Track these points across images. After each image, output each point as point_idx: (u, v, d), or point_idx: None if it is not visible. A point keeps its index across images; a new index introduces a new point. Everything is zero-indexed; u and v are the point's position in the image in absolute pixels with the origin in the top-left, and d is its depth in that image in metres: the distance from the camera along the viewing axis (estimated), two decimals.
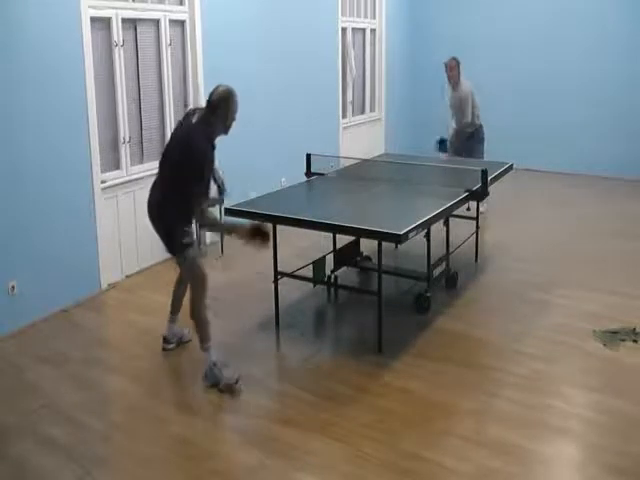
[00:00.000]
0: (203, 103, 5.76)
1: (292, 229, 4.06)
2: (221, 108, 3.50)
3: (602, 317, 4.32)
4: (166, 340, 4.04)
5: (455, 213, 4.69)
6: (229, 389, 3.51)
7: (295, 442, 3.08)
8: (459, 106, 6.70)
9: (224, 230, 4.05)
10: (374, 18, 8.85)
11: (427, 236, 4.36)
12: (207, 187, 3.50)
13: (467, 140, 6.73)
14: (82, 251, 4.74)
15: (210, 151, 3.47)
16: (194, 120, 3.55)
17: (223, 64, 5.95)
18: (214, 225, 3.96)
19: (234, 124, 3.60)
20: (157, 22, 5.38)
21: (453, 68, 6.72)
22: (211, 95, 3.54)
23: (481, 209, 6.04)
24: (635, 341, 4.00)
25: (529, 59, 8.87)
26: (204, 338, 3.61)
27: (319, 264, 4.45)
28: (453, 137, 6.80)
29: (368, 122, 8.90)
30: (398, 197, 4.72)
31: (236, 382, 3.54)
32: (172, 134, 3.82)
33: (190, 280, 3.72)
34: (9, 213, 4.18)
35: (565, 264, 5.40)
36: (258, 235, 3.53)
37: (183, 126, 3.65)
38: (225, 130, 3.58)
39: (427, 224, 3.98)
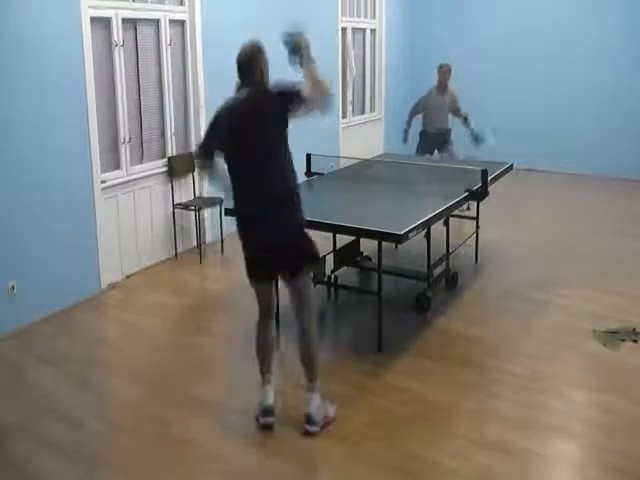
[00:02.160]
0: (203, 103, 5.84)
1: None
2: (257, 67, 3.13)
3: (602, 317, 4.32)
4: (268, 412, 3.18)
5: (455, 213, 4.69)
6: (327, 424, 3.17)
7: (295, 442, 3.07)
8: (449, 108, 6.92)
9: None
10: (374, 18, 8.85)
11: (427, 236, 4.36)
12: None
13: (447, 142, 7.01)
14: (82, 251, 4.74)
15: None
16: (245, 93, 3.10)
17: (223, 64, 5.93)
18: (323, 85, 3.10)
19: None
20: (157, 22, 5.38)
21: (447, 73, 6.89)
22: (241, 57, 3.20)
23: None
24: (635, 341, 4.00)
25: (530, 59, 8.87)
26: (317, 376, 3.13)
27: (319, 264, 4.45)
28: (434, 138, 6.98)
29: (368, 122, 8.90)
30: (398, 197, 4.71)
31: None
32: (229, 123, 3.10)
33: (306, 303, 3.08)
34: (9, 213, 4.18)
35: (565, 264, 5.40)
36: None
37: (242, 102, 3.10)
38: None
39: (427, 224, 3.99)
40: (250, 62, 3.15)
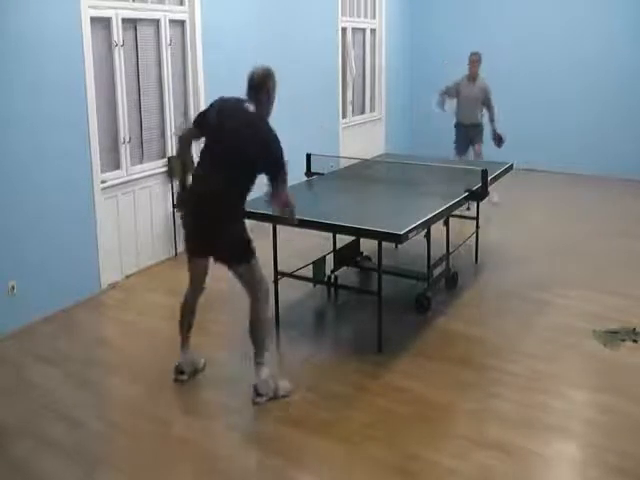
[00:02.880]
0: (203, 103, 5.83)
1: (292, 229, 4.06)
2: (265, 90, 3.35)
3: (602, 317, 4.32)
4: (180, 370, 3.63)
5: (455, 213, 4.69)
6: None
7: (295, 442, 3.08)
8: (482, 98, 6.96)
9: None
10: (374, 18, 8.85)
11: (427, 236, 4.36)
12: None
13: (477, 137, 7.04)
14: (82, 251, 4.74)
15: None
16: (250, 109, 3.32)
17: (223, 64, 5.95)
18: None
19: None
20: (157, 22, 5.38)
21: (477, 62, 6.99)
22: (253, 79, 3.37)
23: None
24: (635, 341, 4.00)
25: (530, 59, 8.87)
26: (263, 352, 3.45)
27: (319, 264, 4.45)
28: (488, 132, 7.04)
29: (368, 122, 8.90)
30: (398, 197, 4.72)
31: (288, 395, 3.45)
32: (218, 123, 3.36)
33: (254, 289, 3.42)
34: (9, 213, 4.18)
35: (565, 264, 5.40)
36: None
37: (240, 117, 3.33)
38: (267, 113, 3.41)
39: (427, 224, 3.99)
40: (260, 85, 3.36)
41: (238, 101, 3.39)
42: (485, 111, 7.02)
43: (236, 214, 3.37)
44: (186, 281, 5.22)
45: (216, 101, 3.46)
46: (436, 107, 7.03)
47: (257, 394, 3.39)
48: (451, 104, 7.13)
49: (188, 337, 3.68)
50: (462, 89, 7.04)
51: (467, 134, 7.04)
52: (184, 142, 3.61)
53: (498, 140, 6.96)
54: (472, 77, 7.01)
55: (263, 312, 3.46)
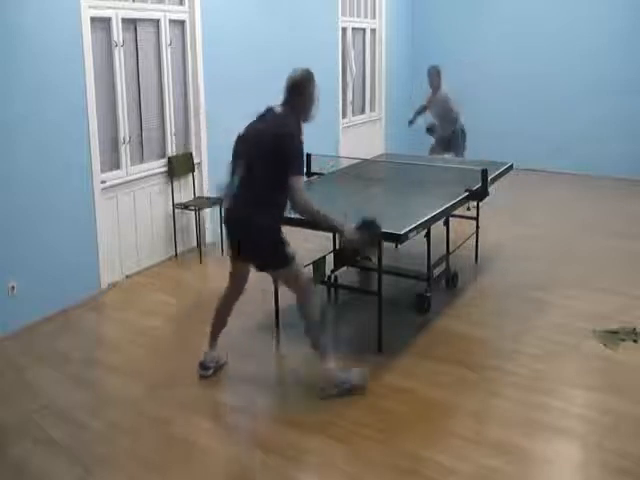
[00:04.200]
0: (203, 103, 5.84)
1: (292, 229, 4.05)
2: (298, 92, 3.33)
3: (602, 317, 4.32)
4: (204, 366, 3.68)
5: (455, 213, 4.69)
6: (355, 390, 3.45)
7: (295, 442, 3.08)
8: (441, 110, 6.94)
9: (328, 225, 3.47)
10: (374, 18, 8.85)
11: (427, 236, 4.36)
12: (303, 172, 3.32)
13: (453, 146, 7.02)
14: (82, 251, 4.74)
15: (300, 134, 3.31)
16: (277, 111, 3.35)
17: (223, 64, 5.95)
18: (316, 218, 3.38)
19: (315, 110, 3.42)
20: (157, 22, 5.38)
21: (435, 75, 6.95)
22: (287, 81, 3.36)
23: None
24: (635, 341, 4.00)
25: (531, 59, 8.87)
26: (317, 345, 3.47)
27: (319, 264, 4.45)
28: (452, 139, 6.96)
29: (368, 122, 8.90)
30: (398, 197, 4.72)
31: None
32: (250, 132, 3.44)
33: (291, 287, 3.47)
34: (9, 213, 4.18)
35: (565, 264, 5.40)
36: (368, 237, 3.35)
37: (264, 120, 3.38)
38: (306, 116, 3.38)
39: (427, 224, 3.98)
40: (292, 87, 3.36)
41: (268, 109, 3.41)
42: (456, 114, 6.93)
43: (266, 218, 3.31)
44: (186, 281, 5.27)
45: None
46: (408, 125, 7.20)
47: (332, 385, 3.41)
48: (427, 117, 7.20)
49: (218, 336, 3.73)
50: (429, 104, 7.09)
51: (441, 142, 7.03)
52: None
53: (452, 147, 6.97)
54: (434, 91, 6.97)
55: (311, 314, 3.48)
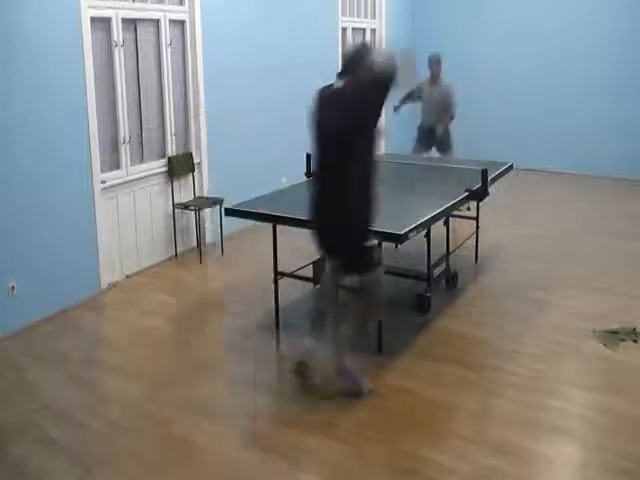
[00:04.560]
0: (203, 103, 5.84)
1: (292, 229, 4.06)
2: (355, 63, 3.19)
3: (602, 317, 4.32)
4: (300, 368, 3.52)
5: (455, 213, 4.69)
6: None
7: (295, 442, 3.08)
8: (442, 103, 6.81)
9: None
10: (374, 18, 8.85)
11: (427, 236, 4.36)
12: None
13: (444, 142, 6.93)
14: (82, 251, 4.74)
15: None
16: (338, 85, 3.21)
17: (223, 64, 5.95)
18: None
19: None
20: (157, 22, 5.39)
21: (437, 64, 6.87)
22: (345, 57, 3.34)
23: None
24: (635, 341, 4.00)
25: (531, 59, 8.87)
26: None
27: (319, 264, 4.45)
28: (440, 135, 6.89)
29: None
30: (398, 197, 4.70)
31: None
32: (319, 118, 3.27)
33: (373, 300, 3.39)
34: (9, 213, 4.18)
35: (565, 264, 5.40)
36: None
37: (330, 95, 3.22)
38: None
39: (427, 224, 3.98)
40: (349, 61, 3.25)
41: (327, 86, 3.28)
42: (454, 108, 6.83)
43: (357, 204, 3.16)
44: (186, 281, 5.27)
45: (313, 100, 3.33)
46: (393, 111, 6.91)
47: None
48: (414, 106, 7.10)
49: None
50: (424, 92, 6.90)
51: (428, 137, 6.94)
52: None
53: (439, 144, 6.87)
54: (434, 80, 6.89)
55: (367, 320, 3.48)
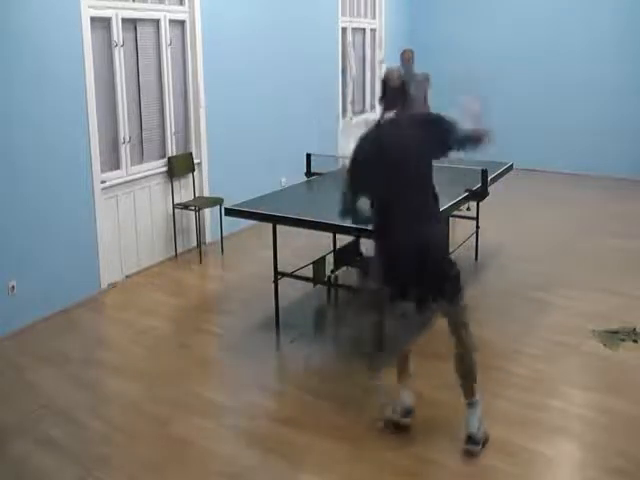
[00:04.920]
0: (203, 103, 5.83)
1: (292, 229, 4.06)
2: (405, 93, 3.06)
3: (602, 317, 4.32)
4: (408, 413, 3.19)
5: (455, 213, 4.68)
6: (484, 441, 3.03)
7: (295, 442, 3.08)
8: (420, 94, 6.72)
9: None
10: (374, 18, 8.85)
11: None
12: None
13: None
14: (82, 251, 4.74)
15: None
16: (402, 119, 3.03)
17: (223, 64, 5.95)
18: None
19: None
20: (157, 22, 5.38)
21: (409, 59, 6.92)
22: (391, 81, 3.07)
23: None
24: (635, 341, 4.00)
25: (529, 59, 8.87)
26: (474, 392, 3.08)
27: (319, 264, 4.45)
28: None
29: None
30: None
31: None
32: (385, 149, 2.99)
33: (463, 327, 3.13)
34: (9, 213, 4.18)
35: (565, 264, 5.40)
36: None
37: (391, 130, 3.03)
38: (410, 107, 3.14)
39: None
40: (398, 88, 3.06)
41: (377, 125, 3.09)
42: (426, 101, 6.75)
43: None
44: (186, 281, 5.26)
45: (357, 147, 3.10)
46: None
47: (473, 442, 2.96)
48: None
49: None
50: None
51: None
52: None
53: None
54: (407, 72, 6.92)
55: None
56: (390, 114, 3.03)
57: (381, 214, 3.01)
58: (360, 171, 3.07)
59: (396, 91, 3.05)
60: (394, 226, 2.96)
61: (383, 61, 8.18)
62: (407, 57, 6.96)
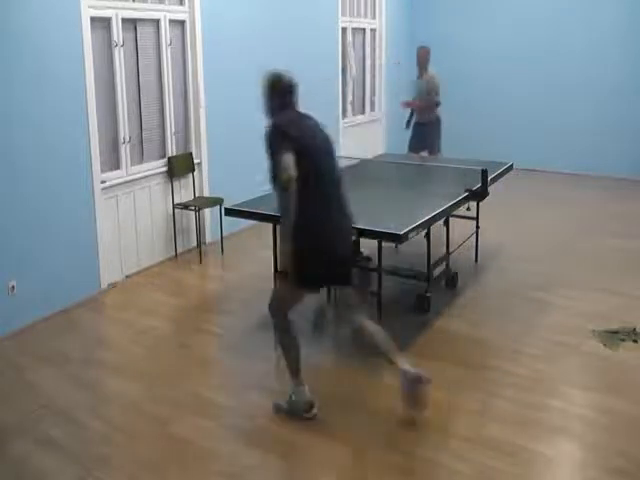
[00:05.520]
0: (203, 103, 5.84)
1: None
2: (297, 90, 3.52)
3: (602, 317, 4.32)
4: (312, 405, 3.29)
5: (455, 213, 4.69)
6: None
7: (295, 442, 3.08)
8: (425, 90, 6.80)
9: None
10: (374, 18, 8.85)
11: (427, 236, 4.36)
12: None
13: (429, 135, 6.85)
14: (82, 251, 4.74)
15: None
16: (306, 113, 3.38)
17: (223, 64, 5.95)
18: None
19: None
20: (157, 22, 5.39)
21: (423, 56, 6.90)
22: (292, 80, 3.49)
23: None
24: (635, 341, 4.00)
25: (529, 59, 8.87)
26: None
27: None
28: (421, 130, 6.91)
29: (368, 122, 8.90)
30: (398, 197, 4.71)
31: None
32: (311, 136, 3.27)
33: (363, 302, 3.32)
34: (9, 213, 4.18)
35: (565, 264, 5.40)
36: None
37: (312, 123, 3.37)
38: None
39: (427, 224, 3.99)
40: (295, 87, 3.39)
41: (299, 114, 3.42)
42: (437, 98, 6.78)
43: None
44: (186, 281, 5.27)
45: (282, 125, 3.31)
46: (405, 127, 7.07)
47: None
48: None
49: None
50: (414, 85, 6.96)
51: (421, 132, 6.91)
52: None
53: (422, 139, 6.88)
54: (420, 72, 6.91)
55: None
56: (292, 112, 3.34)
57: (315, 199, 3.08)
58: (305, 150, 3.17)
59: (295, 89, 3.42)
60: (331, 211, 3.15)
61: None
62: (422, 54, 6.92)
